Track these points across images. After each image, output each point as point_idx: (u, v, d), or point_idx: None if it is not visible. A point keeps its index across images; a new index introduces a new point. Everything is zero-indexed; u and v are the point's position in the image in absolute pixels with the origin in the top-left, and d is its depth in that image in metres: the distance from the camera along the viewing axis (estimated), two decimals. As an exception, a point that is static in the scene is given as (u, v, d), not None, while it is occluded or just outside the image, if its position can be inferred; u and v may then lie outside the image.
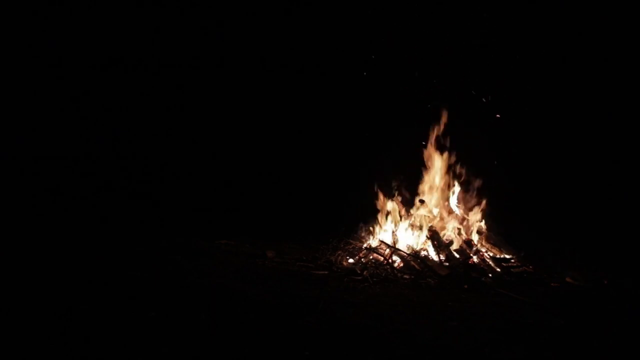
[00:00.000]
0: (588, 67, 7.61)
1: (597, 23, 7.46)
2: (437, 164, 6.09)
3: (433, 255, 5.39)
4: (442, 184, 6.06)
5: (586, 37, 7.53)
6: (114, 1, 8.41)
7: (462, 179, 6.07)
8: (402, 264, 5.25)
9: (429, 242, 5.55)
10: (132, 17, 8.44)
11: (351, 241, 5.91)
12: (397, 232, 5.79)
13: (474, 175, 6.09)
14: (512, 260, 5.42)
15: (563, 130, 7.79)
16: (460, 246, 5.49)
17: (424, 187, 6.13)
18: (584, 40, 7.55)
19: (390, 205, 6.07)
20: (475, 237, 5.74)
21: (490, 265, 5.29)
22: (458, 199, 6.06)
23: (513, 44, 7.46)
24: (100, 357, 2.58)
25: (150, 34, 8.56)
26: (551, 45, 7.66)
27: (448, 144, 6.09)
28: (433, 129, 6.17)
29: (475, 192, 6.03)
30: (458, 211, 5.98)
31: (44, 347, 2.63)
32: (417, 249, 5.50)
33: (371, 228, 6.07)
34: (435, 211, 5.97)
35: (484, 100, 6.62)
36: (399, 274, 4.98)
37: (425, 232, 5.70)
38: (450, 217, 5.92)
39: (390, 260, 5.26)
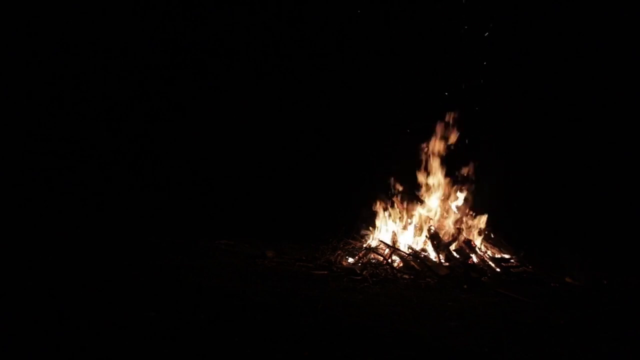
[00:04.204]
0: (588, 67, 7.61)
1: (597, 23, 7.46)
2: (438, 163, 6.09)
3: (433, 255, 5.39)
4: (442, 184, 6.06)
5: (587, 37, 7.53)
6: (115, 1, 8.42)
7: (463, 180, 6.06)
8: (401, 264, 5.25)
9: (429, 242, 5.55)
10: (132, 17, 8.44)
11: (351, 241, 5.91)
12: (397, 232, 5.79)
13: (474, 176, 6.09)
14: (512, 260, 5.42)
15: (563, 130, 7.79)
16: (460, 246, 5.49)
17: (424, 186, 6.13)
18: (585, 40, 7.55)
19: (391, 205, 6.06)
20: (475, 237, 5.74)
21: (490, 265, 5.29)
22: (458, 199, 6.06)
23: (514, 45, 7.46)
24: (100, 357, 2.58)
25: (151, 33, 8.56)
26: (552, 45, 7.66)
27: (450, 145, 6.09)
28: (435, 130, 6.17)
29: (475, 193, 6.03)
30: (458, 211, 5.98)
31: (44, 347, 2.63)
32: (417, 249, 5.50)
33: (371, 228, 6.07)
34: (435, 211, 5.97)
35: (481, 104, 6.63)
36: (399, 274, 4.98)
37: (425, 232, 5.70)
38: (450, 217, 5.92)
39: (389, 260, 5.26)
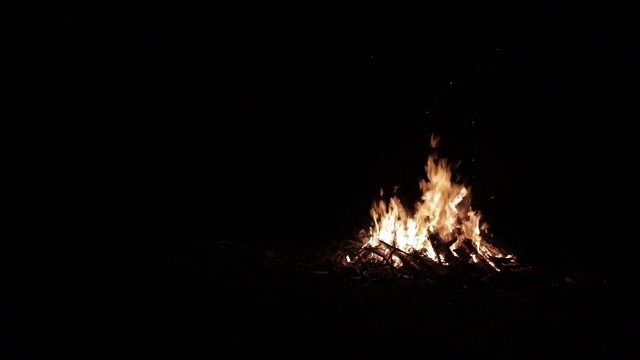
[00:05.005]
0: (588, 67, 7.61)
1: (597, 23, 7.46)
2: (439, 164, 6.09)
3: (433, 255, 5.39)
4: (443, 184, 6.06)
5: (587, 37, 7.53)
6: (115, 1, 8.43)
7: (464, 180, 6.06)
8: (401, 264, 5.25)
9: (429, 242, 5.55)
10: (132, 17, 8.44)
11: (351, 241, 5.91)
12: (397, 232, 5.78)
13: (474, 176, 6.09)
14: (512, 260, 5.42)
15: (563, 130, 7.79)
16: (460, 246, 5.49)
17: (425, 187, 6.12)
18: (585, 40, 7.55)
19: (391, 205, 6.06)
20: (475, 237, 5.74)
21: (489, 265, 5.29)
22: (458, 199, 6.06)
23: (514, 45, 7.46)
24: (100, 357, 2.57)
25: (151, 33, 8.56)
26: (552, 45, 7.66)
27: (451, 145, 6.10)
28: (436, 131, 6.18)
29: (475, 193, 6.02)
30: (458, 211, 5.97)
31: (44, 347, 2.63)
32: (417, 249, 5.50)
33: (371, 228, 6.06)
34: (435, 211, 5.97)
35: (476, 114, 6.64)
36: (399, 274, 4.98)
37: (425, 232, 5.69)
38: (450, 217, 5.91)
39: (389, 260, 5.26)
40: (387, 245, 5.53)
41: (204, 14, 8.71)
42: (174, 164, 8.73)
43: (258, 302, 3.61)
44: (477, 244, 5.64)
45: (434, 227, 5.73)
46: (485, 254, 5.51)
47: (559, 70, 7.69)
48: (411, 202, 6.09)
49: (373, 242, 5.84)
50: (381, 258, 5.32)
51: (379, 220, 6.06)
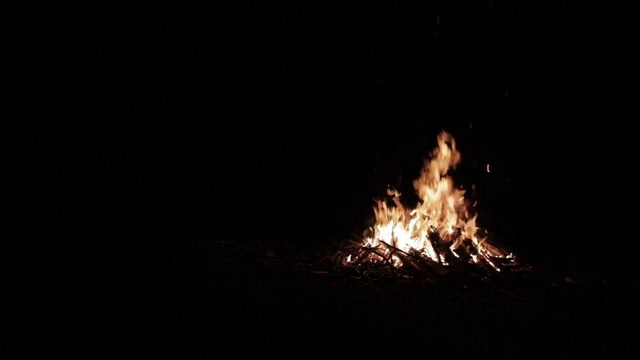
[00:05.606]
0: (588, 67, 7.61)
1: (597, 23, 7.46)
2: (438, 164, 6.09)
3: (432, 255, 5.39)
4: (442, 184, 6.05)
5: (587, 37, 7.53)
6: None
7: (463, 180, 6.06)
8: (401, 264, 5.25)
9: (429, 242, 5.55)
10: (132, 17, 8.44)
11: (351, 241, 5.91)
12: (397, 232, 5.78)
13: (474, 176, 6.08)
14: (512, 260, 5.42)
15: (563, 130, 7.79)
16: (460, 246, 5.49)
17: (425, 187, 6.12)
18: (585, 40, 7.55)
19: (390, 205, 6.06)
20: (474, 237, 5.74)
21: (490, 265, 5.29)
22: (458, 198, 6.06)
23: (515, 45, 7.46)
24: (100, 357, 2.58)
25: (151, 33, 8.57)
26: (552, 45, 7.66)
27: (450, 145, 6.09)
28: (436, 131, 6.18)
29: (475, 192, 6.02)
30: (458, 211, 5.97)
31: (44, 347, 2.63)
32: (417, 249, 5.50)
33: (371, 228, 6.06)
34: (435, 211, 5.97)
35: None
36: (399, 274, 4.98)
37: (424, 232, 5.69)
38: (450, 217, 5.91)
39: (389, 260, 5.26)
40: (387, 245, 5.53)
41: (204, 14, 8.71)
42: (174, 164, 8.72)
43: (258, 302, 3.61)
44: (477, 244, 5.64)
45: (434, 227, 5.73)
46: (485, 254, 5.51)
47: (559, 70, 7.69)
48: (411, 201, 6.08)
49: (373, 242, 5.84)
50: (381, 258, 5.32)
51: (379, 220, 6.06)
